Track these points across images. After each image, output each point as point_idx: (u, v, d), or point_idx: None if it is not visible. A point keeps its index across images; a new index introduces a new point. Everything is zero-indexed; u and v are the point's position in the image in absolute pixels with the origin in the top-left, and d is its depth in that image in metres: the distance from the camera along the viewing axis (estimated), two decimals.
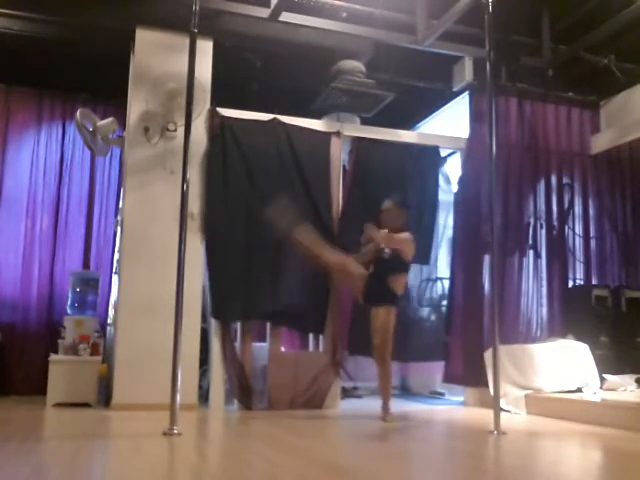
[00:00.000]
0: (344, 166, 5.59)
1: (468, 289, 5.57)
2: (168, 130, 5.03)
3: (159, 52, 5.16)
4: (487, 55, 4.29)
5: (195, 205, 5.02)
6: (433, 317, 5.71)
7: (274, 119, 5.36)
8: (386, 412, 4.38)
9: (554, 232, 5.95)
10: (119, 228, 5.42)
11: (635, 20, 5.29)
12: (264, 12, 5.29)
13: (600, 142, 6.25)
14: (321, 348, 5.39)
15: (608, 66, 5.89)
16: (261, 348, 5.19)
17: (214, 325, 5.04)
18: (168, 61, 5.07)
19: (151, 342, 4.69)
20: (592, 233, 6.17)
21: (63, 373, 4.92)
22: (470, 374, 5.31)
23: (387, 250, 4.45)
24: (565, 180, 6.13)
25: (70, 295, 5.54)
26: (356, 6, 5.47)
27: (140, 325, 4.79)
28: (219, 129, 5.19)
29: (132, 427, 4.06)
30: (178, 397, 3.65)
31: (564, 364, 5.12)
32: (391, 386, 4.58)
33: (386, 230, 4.47)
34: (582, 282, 6.04)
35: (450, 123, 6.36)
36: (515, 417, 4.70)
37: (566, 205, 6.10)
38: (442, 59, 5.89)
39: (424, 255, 5.61)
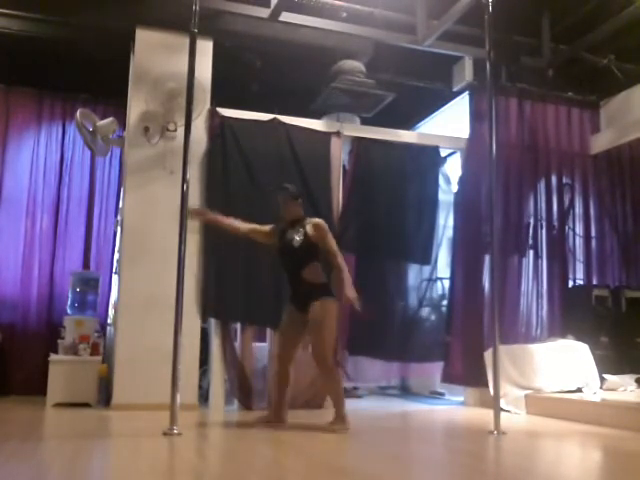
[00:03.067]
0: (344, 166, 5.59)
1: (468, 289, 5.57)
2: (168, 130, 5.04)
3: (159, 52, 5.16)
4: (487, 55, 4.29)
5: (195, 205, 5.02)
6: (433, 317, 5.71)
7: (274, 119, 5.36)
8: (340, 420, 3.97)
9: (554, 232, 5.95)
10: (119, 228, 5.43)
11: (635, 20, 5.30)
12: (264, 12, 5.29)
13: (600, 142, 6.25)
14: None
15: (608, 66, 5.89)
16: (261, 348, 5.18)
17: (214, 325, 5.05)
18: (168, 61, 5.07)
19: (151, 342, 4.70)
20: (592, 233, 6.17)
21: (63, 373, 4.92)
22: (470, 374, 5.31)
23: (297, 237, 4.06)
24: (565, 180, 6.13)
25: (70, 295, 5.55)
26: (356, 6, 5.47)
27: (140, 325, 4.80)
28: (219, 129, 5.19)
29: (132, 427, 4.06)
30: (178, 397, 3.65)
31: (564, 364, 5.12)
32: (340, 391, 4.06)
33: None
34: (582, 282, 6.03)
35: (450, 123, 6.36)
36: (515, 417, 4.70)
37: (566, 205, 6.09)
38: (442, 59, 5.89)
39: (424, 255, 5.62)
